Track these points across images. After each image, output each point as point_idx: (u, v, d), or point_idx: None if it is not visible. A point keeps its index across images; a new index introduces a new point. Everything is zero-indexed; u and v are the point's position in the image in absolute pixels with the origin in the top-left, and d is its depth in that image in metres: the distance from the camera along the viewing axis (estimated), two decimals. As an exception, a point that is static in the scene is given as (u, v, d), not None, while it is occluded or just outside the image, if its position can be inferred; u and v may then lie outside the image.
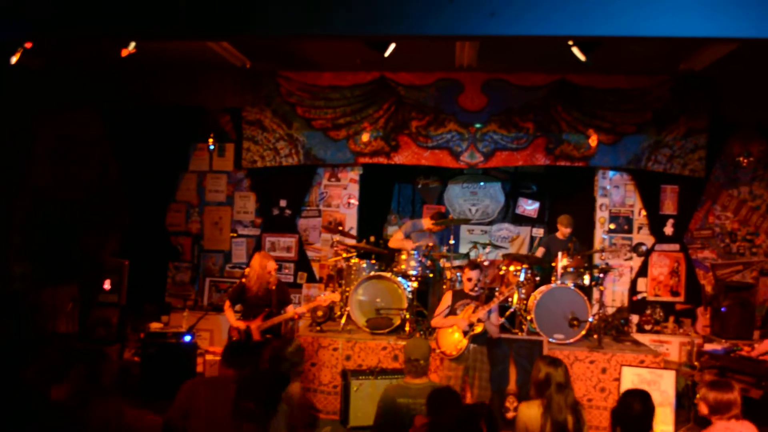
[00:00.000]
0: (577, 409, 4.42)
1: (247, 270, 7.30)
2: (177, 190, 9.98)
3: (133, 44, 6.23)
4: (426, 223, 8.64)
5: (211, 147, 9.76)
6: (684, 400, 7.20)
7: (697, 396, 4.51)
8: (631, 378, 6.83)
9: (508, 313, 7.93)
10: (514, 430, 4.61)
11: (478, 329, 6.39)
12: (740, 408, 4.33)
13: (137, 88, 9.39)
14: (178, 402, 4.40)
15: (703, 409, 4.37)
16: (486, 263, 8.77)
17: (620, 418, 3.97)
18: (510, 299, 7.77)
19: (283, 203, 9.74)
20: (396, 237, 8.71)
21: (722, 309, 8.65)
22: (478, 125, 9.11)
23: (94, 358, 4.21)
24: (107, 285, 8.69)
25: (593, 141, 8.97)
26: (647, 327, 9.15)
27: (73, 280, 8.96)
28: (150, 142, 9.67)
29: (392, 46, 6.17)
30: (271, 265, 6.92)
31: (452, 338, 6.48)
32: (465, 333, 6.40)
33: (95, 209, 9.55)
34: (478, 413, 3.47)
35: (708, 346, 7.55)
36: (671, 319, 9.23)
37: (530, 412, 4.49)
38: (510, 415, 6.94)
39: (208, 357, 8.25)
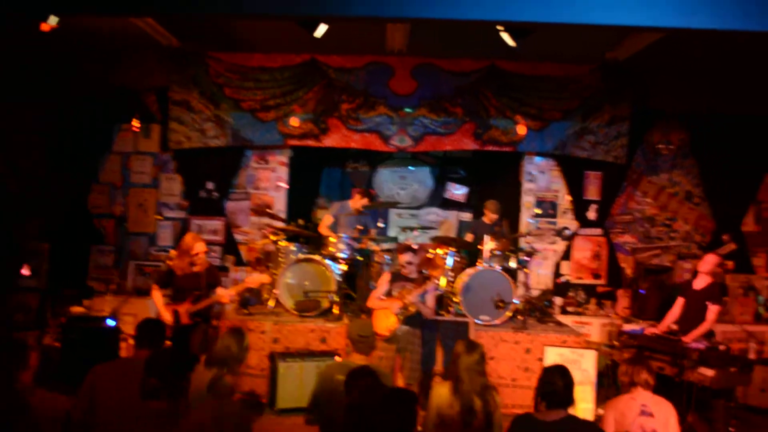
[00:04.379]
0: (487, 394, 4.45)
1: (173, 252, 7.16)
2: (100, 171, 9.70)
3: (55, 19, 5.98)
4: (354, 203, 8.65)
5: (136, 128, 9.47)
6: (604, 378, 7.41)
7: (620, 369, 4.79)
8: (554, 358, 6.96)
9: (436, 295, 8.00)
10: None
11: (412, 309, 6.49)
12: (650, 383, 4.61)
13: (61, 66, 9.07)
14: (83, 389, 4.23)
15: (624, 380, 4.70)
16: (414, 246, 8.83)
17: (545, 394, 4.05)
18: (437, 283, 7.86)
19: (210, 186, 9.59)
20: (325, 223, 8.69)
21: (641, 291, 8.97)
22: (408, 109, 9.14)
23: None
24: (26, 271, 8.40)
25: (521, 127, 9.10)
26: (570, 309, 9.40)
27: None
28: (72, 122, 9.35)
29: (323, 26, 6.13)
30: (199, 247, 6.77)
31: (386, 320, 6.55)
32: (397, 314, 6.48)
33: (15, 192, 9.18)
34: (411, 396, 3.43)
35: (627, 327, 7.79)
36: (593, 301, 9.50)
37: (441, 391, 4.51)
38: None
39: (132, 341, 8.05)
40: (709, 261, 7.30)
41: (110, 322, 7.46)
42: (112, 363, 4.53)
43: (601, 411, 6.89)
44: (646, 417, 4.44)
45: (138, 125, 9.44)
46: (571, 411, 4.06)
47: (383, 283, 6.89)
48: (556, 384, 4.00)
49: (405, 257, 6.79)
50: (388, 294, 6.76)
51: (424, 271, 7.50)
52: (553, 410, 3.99)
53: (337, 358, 6.58)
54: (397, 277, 6.85)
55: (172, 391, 3.40)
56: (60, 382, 6.93)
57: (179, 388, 3.49)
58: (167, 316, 6.54)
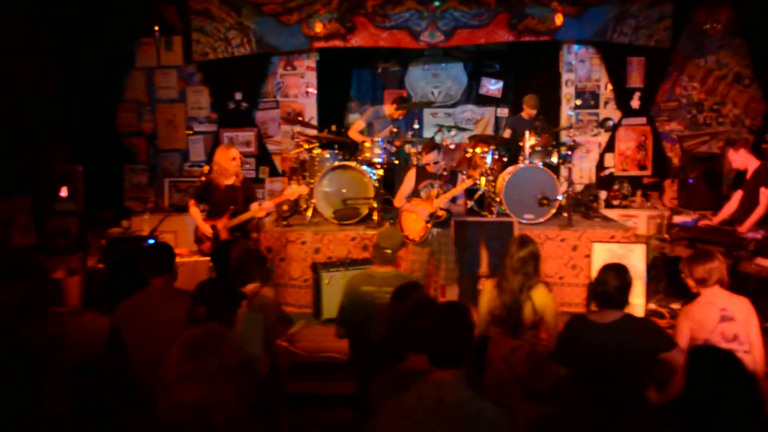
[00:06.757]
0: (523, 294, 4.40)
1: (207, 167, 7.02)
2: (125, 89, 9.50)
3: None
4: (388, 109, 8.33)
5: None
6: (653, 271, 7.23)
7: (682, 273, 4.39)
8: (602, 254, 6.79)
9: (477, 195, 7.81)
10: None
11: (442, 215, 6.26)
12: (726, 281, 4.26)
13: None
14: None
15: (691, 284, 4.31)
16: (452, 146, 8.58)
17: (596, 294, 3.89)
18: (477, 183, 7.61)
19: (238, 96, 9.38)
20: (355, 127, 8.39)
21: (689, 180, 8.66)
22: (437, 3, 8.76)
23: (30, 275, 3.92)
24: (64, 192, 8.35)
25: (558, 15, 8.65)
26: (615, 202, 9.17)
27: (24, 191, 8.56)
28: (90, 40, 9.06)
29: None
30: (234, 152, 6.60)
31: (416, 224, 6.34)
32: (427, 221, 6.26)
33: (37, 117, 9.02)
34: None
35: (677, 218, 7.54)
36: (638, 193, 9.26)
37: (489, 289, 4.59)
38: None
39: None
40: (734, 158, 6.88)
41: (150, 241, 7.42)
42: (130, 301, 4.28)
43: (652, 306, 6.81)
44: (727, 322, 4.06)
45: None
46: (626, 310, 3.89)
47: (409, 180, 6.60)
48: (608, 284, 3.80)
49: (431, 156, 6.41)
50: (417, 194, 6.49)
51: (463, 171, 7.25)
52: (606, 310, 3.82)
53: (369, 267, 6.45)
54: (423, 174, 6.54)
55: (220, 320, 3.29)
56: (107, 303, 7.03)
57: (229, 319, 3.39)
58: (207, 230, 6.45)
